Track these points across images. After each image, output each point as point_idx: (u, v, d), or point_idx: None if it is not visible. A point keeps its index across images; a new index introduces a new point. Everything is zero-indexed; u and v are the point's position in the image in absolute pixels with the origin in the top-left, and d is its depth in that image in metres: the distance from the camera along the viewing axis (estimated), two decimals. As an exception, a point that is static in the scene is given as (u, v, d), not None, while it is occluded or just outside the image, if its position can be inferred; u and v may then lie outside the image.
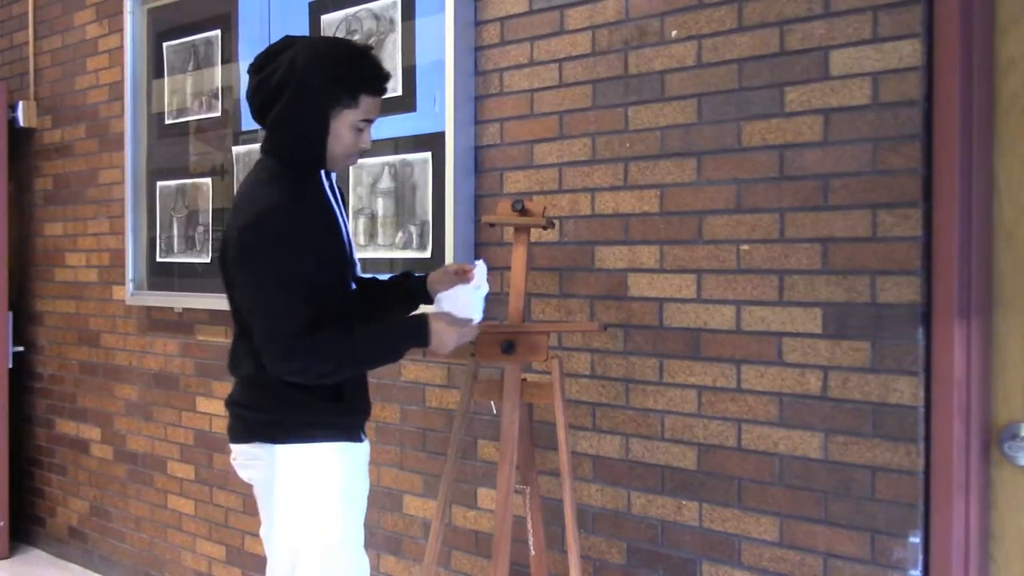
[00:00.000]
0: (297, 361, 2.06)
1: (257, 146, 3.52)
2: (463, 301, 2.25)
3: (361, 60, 2.15)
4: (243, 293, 2.14)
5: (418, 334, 2.16)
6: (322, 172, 2.21)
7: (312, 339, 2.05)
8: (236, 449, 2.27)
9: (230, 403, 2.27)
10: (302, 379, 2.10)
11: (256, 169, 2.21)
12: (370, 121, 2.17)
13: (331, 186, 2.25)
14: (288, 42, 2.16)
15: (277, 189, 2.10)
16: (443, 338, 2.16)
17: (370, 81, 2.13)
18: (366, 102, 2.13)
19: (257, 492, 2.29)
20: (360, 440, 2.24)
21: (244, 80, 3.55)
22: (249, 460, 2.24)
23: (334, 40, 2.28)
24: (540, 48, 2.72)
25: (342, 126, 2.12)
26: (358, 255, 3.13)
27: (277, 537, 2.18)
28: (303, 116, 2.10)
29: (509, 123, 2.80)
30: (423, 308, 2.32)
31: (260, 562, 3.58)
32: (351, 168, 3.16)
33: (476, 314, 2.25)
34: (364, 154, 2.25)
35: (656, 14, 2.47)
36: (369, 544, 3.20)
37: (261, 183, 2.15)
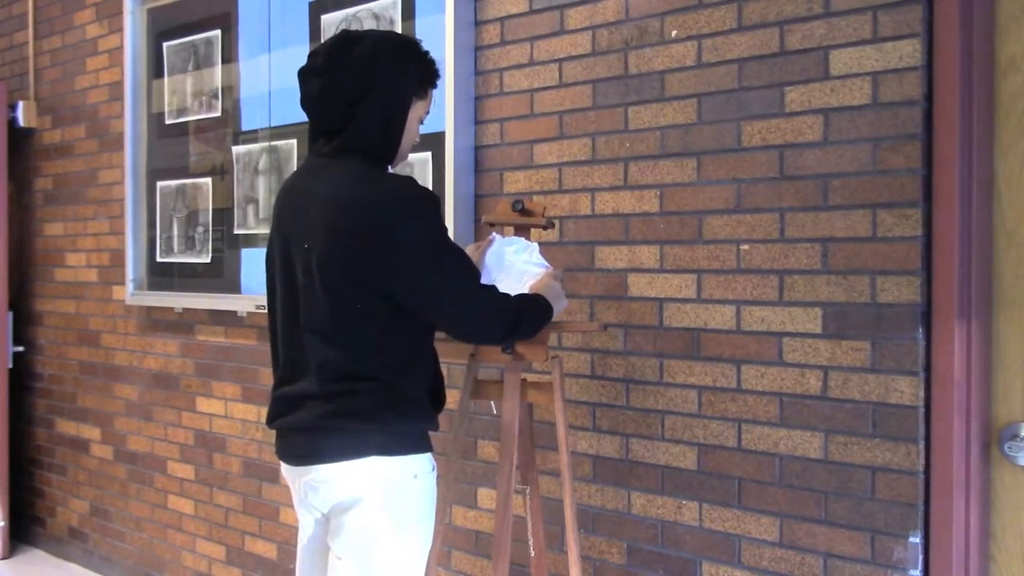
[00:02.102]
0: (508, 319, 2.10)
1: (258, 146, 3.53)
2: (505, 260, 2.29)
3: (427, 53, 2.13)
4: (415, 286, 1.98)
5: (547, 306, 2.20)
6: None
7: (496, 298, 2.10)
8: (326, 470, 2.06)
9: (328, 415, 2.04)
10: (504, 337, 2.14)
11: (335, 170, 2.03)
12: (428, 113, 2.17)
13: None
14: (349, 37, 2.07)
15: (400, 183, 2.03)
16: (556, 296, 2.22)
17: (433, 74, 2.13)
18: (430, 96, 2.14)
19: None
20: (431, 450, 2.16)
21: (245, 80, 3.57)
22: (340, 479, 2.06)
23: (400, 35, 2.24)
24: (540, 48, 2.72)
25: (413, 119, 2.09)
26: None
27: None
28: (391, 109, 2.05)
29: (509, 123, 2.80)
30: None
31: (260, 562, 3.58)
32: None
33: (532, 263, 2.29)
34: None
35: (656, 14, 2.47)
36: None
37: (367, 180, 2.01)
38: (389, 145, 2.07)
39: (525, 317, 2.13)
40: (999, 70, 2.04)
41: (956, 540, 2.04)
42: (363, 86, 2.01)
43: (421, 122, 2.14)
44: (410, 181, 2.04)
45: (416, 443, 2.06)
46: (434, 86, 2.14)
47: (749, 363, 2.32)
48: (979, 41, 2.03)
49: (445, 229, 2.04)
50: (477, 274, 2.11)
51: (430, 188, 2.08)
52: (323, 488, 2.04)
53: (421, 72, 2.09)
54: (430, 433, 2.12)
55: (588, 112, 2.61)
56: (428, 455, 2.08)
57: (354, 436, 2.01)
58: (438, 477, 2.11)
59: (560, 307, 2.23)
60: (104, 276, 4.30)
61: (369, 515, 2.01)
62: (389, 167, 2.11)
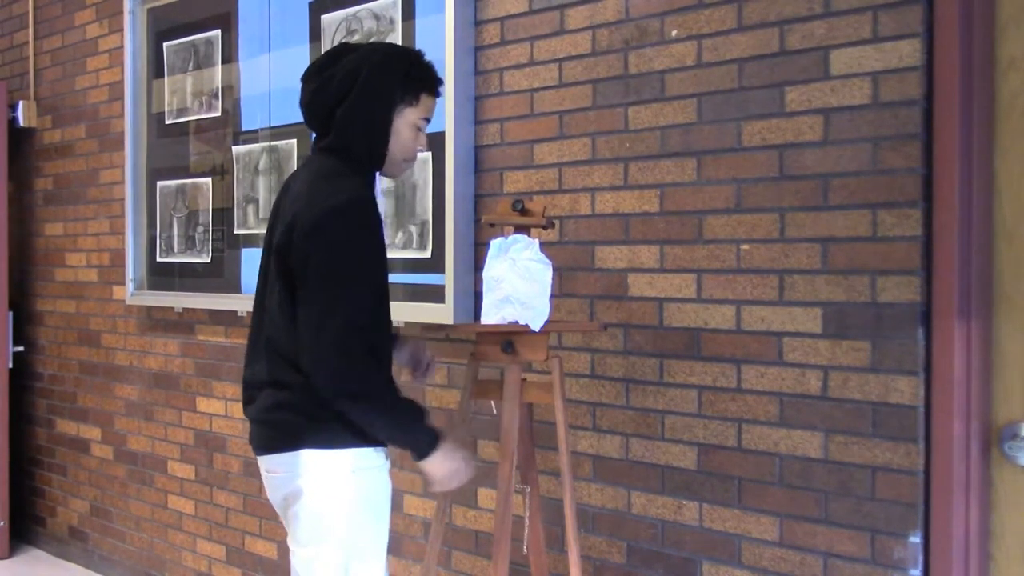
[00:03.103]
0: (345, 359, 1.96)
1: (258, 145, 3.53)
2: (508, 256, 2.29)
3: (421, 60, 2.17)
4: (311, 278, 1.99)
5: (427, 440, 2.08)
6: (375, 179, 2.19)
7: (367, 358, 1.98)
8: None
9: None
10: (333, 382, 1.98)
11: (313, 166, 2.13)
12: (428, 120, 2.18)
13: None
14: (345, 48, 2.16)
15: (357, 181, 2.07)
16: (444, 464, 2.09)
17: (429, 81, 2.15)
18: (426, 101, 2.15)
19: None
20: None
21: (245, 80, 3.57)
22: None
23: (393, 44, 2.29)
24: (540, 48, 2.72)
25: (403, 124, 2.12)
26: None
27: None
28: (371, 112, 2.09)
29: (509, 123, 2.80)
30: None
31: (260, 562, 3.58)
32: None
33: (533, 260, 2.26)
34: (415, 160, 2.22)
35: (656, 14, 2.47)
36: (369, 544, 3.21)
37: (328, 177, 2.07)
38: (372, 148, 2.11)
39: (376, 403, 2.01)
40: (999, 70, 2.04)
41: (956, 540, 2.04)
42: (346, 89, 2.08)
43: (419, 129, 2.15)
44: (355, 189, 2.04)
45: (351, 438, 2.06)
46: (431, 92, 2.15)
47: (749, 363, 2.32)
48: (979, 41, 2.03)
49: (377, 238, 2.02)
50: (380, 299, 2.03)
51: (368, 201, 2.04)
52: (271, 479, 2.14)
53: (409, 77, 2.11)
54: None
55: (588, 112, 2.61)
56: (369, 450, 2.08)
57: (290, 429, 2.07)
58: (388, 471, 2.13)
59: (448, 478, 2.11)
60: (104, 276, 4.30)
61: (309, 509, 2.07)
62: (380, 173, 2.15)
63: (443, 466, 2.10)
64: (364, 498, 2.09)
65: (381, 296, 2.07)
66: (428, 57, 2.18)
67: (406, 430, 2.08)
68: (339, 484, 2.06)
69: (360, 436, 2.07)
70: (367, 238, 2.01)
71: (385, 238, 2.09)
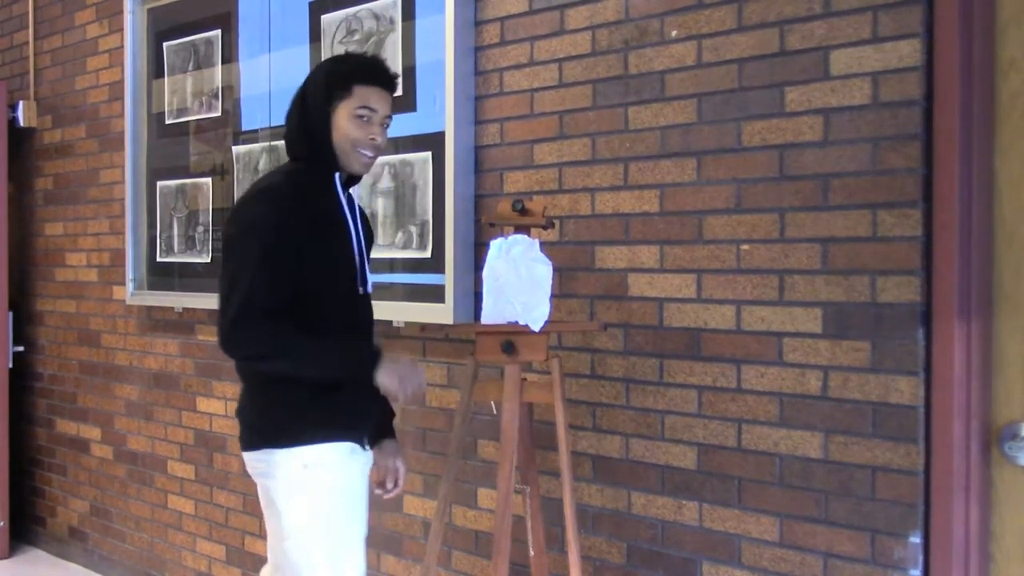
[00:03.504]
0: (239, 332, 2.07)
1: (258, 145, 3.53)
2: (509, 256, 2.33)
3: (357, 57, 2.27)
4: (223, 259, 2.18)
5: (369, 358, 2.14)
6: (339, 183, 2.24)
7: (265, 321, 2.07)
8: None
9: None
10: (242, 354, 2.14)
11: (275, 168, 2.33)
12: (371, 110, 2.20)
13: (350, 200, 2.28)
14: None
15: (279, 179, 2.20)
16: (397, 378, 2.14)
17: (363, 70, 2.21)
18: (360, 91, 2.19)
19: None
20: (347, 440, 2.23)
21: (245, 80, 3.57)
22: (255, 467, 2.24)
23: (344, 52, 2.40)
24: (540, 48, 2.72)
25: (341, 116, 2.19)
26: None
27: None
28: (307, 112, 2.22)
29: (509, 123, 2.80)
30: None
31: (260, 562, 3.58)
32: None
33: (533, 259, 2.30)
34: (378, 151, 2.24)
35: (656, 14, 2.47)
36: (369, 543, 3.21)
37: (270, 174, 2.29)
38: (315, 143, 2.21)
39: (288, 355, 2.09)
40: (999, 70, 2.04)
41: (956, 540, 2.04)
42: (292, 106, 2.28)
43: (362, 118, 2.19)
44: (275, 175, 2.24)
45: (302, 433, 2.14)
46: (365, 82, 2.19)
47: (749, 363, 2.32)
48: (979, 41, 2.03)
49: (275, 227, 2.09)
50: (273, 284, 2.08)
51: (278, 186, 2.17)
52: (253, 476, 2.25)
53: (333, 72, 2.22)
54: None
55: (588, 112, 2.61)
56: (327, 445, 2.16)
57: (250, 427, 2.22)
58: (355, 470, 2.20)
59: (396, 385, 2.15)
60: (104, 276, 4.30)
61: (273, 506, 2.17)
62: (342, 169, 2.22)
63: (392, 376, 2.14)
64: (322, 493, 2.15)
65: (284, 273, 2.10)
66: (381, 54, 2.28)
67: (343, 363, 2.16)
68: (296, 481, 2.14)
69: (317, 432, 2.14)
70: (270, 219, 2.09)
71: (335, 223, 2.20)
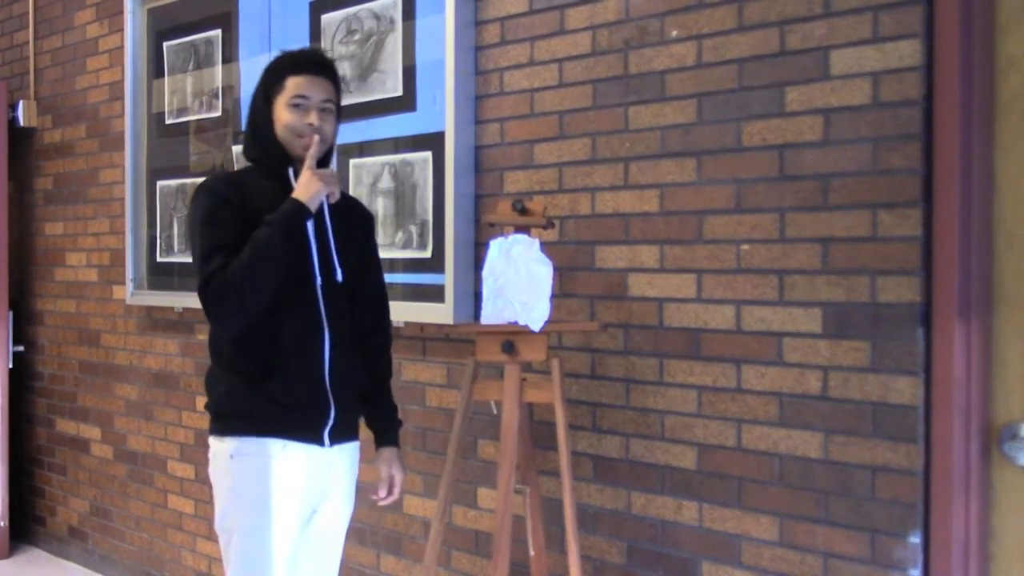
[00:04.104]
0: (209, 297, 2.14)
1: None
2: (510, 256, 2.35)
3: (290, 52, 2.32)
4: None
5: (286, 205, 2.16)
6: (293, 175, 2.25)
7: (212, 278, 2.13)
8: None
9: None
10: (221, 319, 2.17)
11: None
12: (304, 97, 2.21)
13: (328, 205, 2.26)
14: None
15: (223, 172, 2.40)
16: (306, 187, 2.18)
17: (293, 62, 2.26)
18: (292, 81, 2.23)
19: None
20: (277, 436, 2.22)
21: (245, 80, 3.57)
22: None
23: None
24: (540, 48, 2.72)
25: (279, 110, 2.24)
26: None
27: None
28: (252, 113, 2.31)
29: (509, 123, 2.80)
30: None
31: (260, 562, 3.58)
32: (351, 167, 3.16)
33: (533, 259, 2.32)
34: (321, 134, 2.21)
35: (656, 14, 2.47)
36: (369, 543, 3.22)
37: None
38: (260, 142, 2.28)
39: (241, 278, 2.10)
40: (999, 70, 2.04)
41: (956, 540, 2.04)
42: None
43: (298, 107, 2.22)
44: (208, 177, 2.35)
45: (234, 424, 2.22)
46: (294, 72, 2.23)
47: (749, 363, 2.32)
48: (979, 41, 2.03)
49: (202, 212, 2.20)
50: (214, 255, 2.13)
51: (210, 183, 2.27)
52: None
53: (267, 71, 2.29)
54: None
55: (588, 112, 2.61)
56: (252, 439, 2.20)
57: (209, 416, 2.29)
58: (284, 467, 2.21)
59: (312, 192, 2.17)
60: (104, 276, 4.30)
61: (214, 494, 2.29)
62: (296, 161, 2.25)
63: (303, 188, 2.18)
64: (243, 484, 2.20)
65: (219, 247, 2.14)
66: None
67: (276, 238, 2.13)
68: (223, 469, 2.23)
69: (245, 424, 2.20)
70: (203, 212, 2.19)
71: (245, 206, 2.19)
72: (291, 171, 2.26)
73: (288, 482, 2.20)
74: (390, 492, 2.41)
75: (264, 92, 2.27)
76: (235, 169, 2.40)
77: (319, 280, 2.24)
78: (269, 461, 2.19)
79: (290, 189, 2.20)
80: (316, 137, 2.22)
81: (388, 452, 2.41)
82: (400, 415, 2.48)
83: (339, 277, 2.27)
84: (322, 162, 2.28)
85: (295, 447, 2.21)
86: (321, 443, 2.23)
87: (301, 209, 2.16)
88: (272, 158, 2.26)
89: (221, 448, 2.23)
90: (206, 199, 2.21)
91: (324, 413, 2.23)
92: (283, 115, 2.22)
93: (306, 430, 2.22)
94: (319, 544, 2.31)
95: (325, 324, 2.23)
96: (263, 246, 2.11)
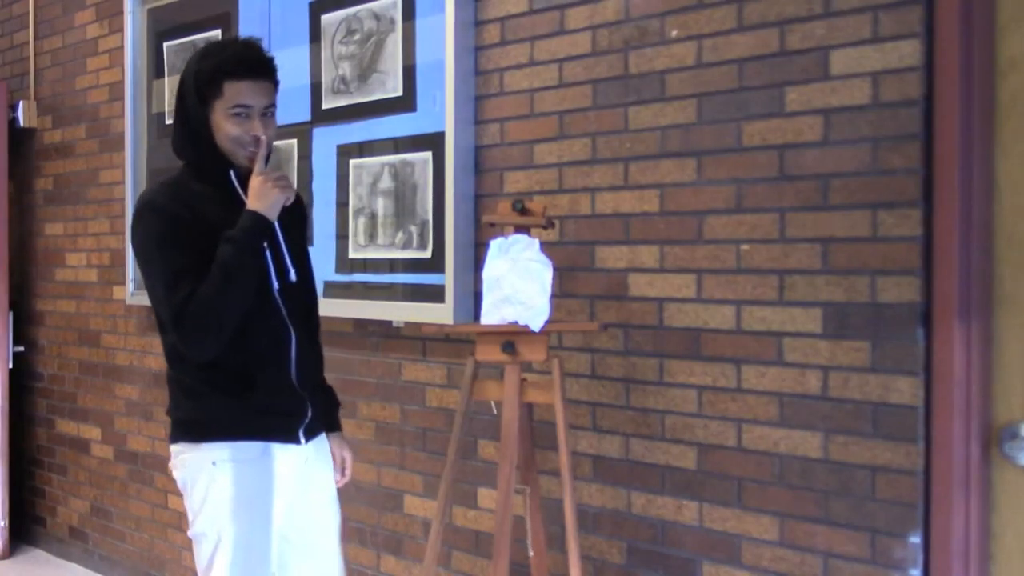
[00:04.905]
0: (185, 327, 2.05)
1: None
2: (510, 256, 2.34)
3: (221, 49, 2.19)
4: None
5: (247, 221, 2.10)
6: (235, 179, 2.20)
7: (186, 307, 2.04)
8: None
9: None
10: (199, 347, 2.08)
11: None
12: (246, 106, 2.12)
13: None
14: None
15: (155, 191, 2.23)
16: (264, 197, 2.11)
17: (229, 65, 2.12)
18: (231, 88, 2.11)
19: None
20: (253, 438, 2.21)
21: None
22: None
23: (211, 42, 2.35)
24: (540, 48, 2.72)
25: (218, 117, 2.13)
26: (360, 255, 3.14)
27: None
28: (187, 115, 2.19)
29: (509, 123, 2.80)
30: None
31: (260, 562, 3.58)
32: (351, 168, 3.16)
33: (534, 260, 2.30)
34: (264, 144, 2.16)
35: (656, 14, 2.47)
36: (369, 543, 3.22)
37: (151, 186, 2.39)
38: (195, 145, 2.20)
39: (216, 303, 2.04)
40: (999, 70, 2.04)
41: (956, 540, 2.04)
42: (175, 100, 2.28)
43: (240, 115, 2.12)
44: (152, 188, 2.29)
45: (208, 431, 2.17)
46: (234, 78, 2.11)
47: (749, 363, 2.32)
48: (979, 41, 2.03)
49: (156, 235, 2.11)
50: (179, 282, 2.06)
51: (159, 195, 2.19)
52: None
53: (200, 74, 2.15)
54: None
55: (588, 112, 2.61)
56: (227, 443, 2.16)
57: (171, 421, 2.26)
58: (239, 467, 2.18)
59: (271, 201, 2.12)
60: (104, 276, 4.30)
61: (186, 501, 2.24)
62: (232, 167, 2.18)
63: (266, 201, 2.12)
64: (227, 490, 2.15)
65: (183, 271, 2.07)
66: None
67: (246, 257, 2.09)
68: (205, 476, 2.17)
69: (226, 430, 2.16)
70: (156, 236, 2.11)
71: (223, 220, 2.12)
72: (232, 174, 2.19)
73: (275, 484, 2.20)
74: (343, 474, 2.45)
75: (198, 93, 2.15)
76: (158, 182, 2.30)
77: (276, 285, 2.20)
78: (255, 465, 2.18)
79: (234, 194, 2.16)
80: (263, 139, 2.14)
81: (336, 436, 2.44)
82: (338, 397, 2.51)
83: (292, 278, 2.24)
84: (268, 161, 2.23)
85: (277, 448, 2.21)
86: (298, 441, 2.24)
87: (263, 222, 2.10)
88: (210, 162, 2.18)
89: (197, 456, 2.18)
90: (157, 222, 2.11)
91: (301, 414, 2.25)
92: (224, 124, 2.12)
93: (286, 432, 2.23)
94: (311, 542, 2.30)
95: (290, 327, 2.22)
96: (233, 267, 2.05)
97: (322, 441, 2.37)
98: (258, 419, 2.18)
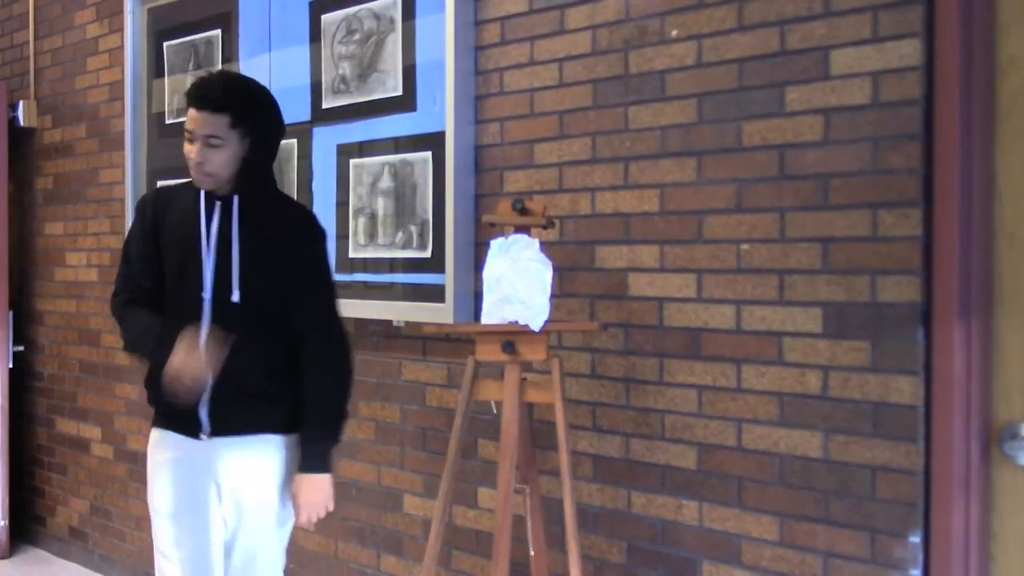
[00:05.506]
0: (112, 310, 2.52)
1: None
2: (509, 255, 2.38)
3: (193, 79, 2.44)
4: None
5: (153, 341, 2.37)
6: (202, 197, 2.40)
7: (113, 302, 2.52)
8: None
9: None
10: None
11: None
12: (190, 131, 2.33)
13: (227, 211, 2.38)
14: None
15: (162, 185, 2.63)
16: (180, 364, 2.27)
17: (187, 94, 2.37)
18: (188, 113, 2.35)
19: None
20: (158, 427, 2.50)
21: (244, 80, 3.57)
22: None
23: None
24: (540, 47, 2.72)
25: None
26: (360, 255, 3.14)
27: None
28: None
29: (509, 122, 2.80)
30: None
31: (260, 562, 3.58)
32: (351, 167, 3.17)
33: (533, 260, 2.34)
34: (199, 169, 2.34)
35: (656, 14, 2.47)
36: (369, 543, 3.22)
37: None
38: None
39: (119, 324, 2.48)
40: (999, 70, 2.04)
41: (956, 540, 2.04)
42: None
43: (186, 138, 2.36)
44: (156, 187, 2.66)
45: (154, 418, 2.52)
46: (188, 105, 2.35)
47: (749, 363, 2.32)
48: (979, 41, 2.03)
49: (128, 233, 2.57)
50: (119, 279, 2.51)
51: (149, 193, 2.68)
52: None
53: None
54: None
55: (588, 112, 2.61)
56: (153, 430, 2.50)
57: None
58: (161, 456, 2.47)
59: (172, 370, 2.28)
60: (104, 275, 4.29)
61: None
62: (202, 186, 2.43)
63: (171, 373, 2.31)
64: (150, 470, 2.50)
65: (126, 273, 2.50)
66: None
67: (137, 338, 2.43)
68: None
69: (155, 417, 2.50)
70: (129, 229, 2.57)
71: (175, 230, 2.42)
72: (202, 195, 2.40)
73: (165, 470, 2.44)
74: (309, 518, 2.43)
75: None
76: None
77: (208, 295, 2.36)
78: (152, 450, 2.49)
79: (197, 209, 2.38)
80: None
81: (299, 478, 2.40)
82: (329, 437, 2.43)
83: (235, 298, 2.35)
84: (249, 187, 2.38)
85: (166, 440, 2.45)
86: (197, 436, 2.38)
87: (156, 361, 2.35)
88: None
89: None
90: (135, 216, 2.54)
91: (196, 409, 2.37)
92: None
93: (168, 424, 2.44)
94: (242, 539, 2.43)
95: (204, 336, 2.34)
96: (125, 334, 2.46)
97: (243, 443, 2.40)
98: (160, 405, 2.44)
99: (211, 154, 2.30)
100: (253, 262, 2.36)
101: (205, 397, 2.34)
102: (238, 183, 2.36)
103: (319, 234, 2.47)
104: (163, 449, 2.45)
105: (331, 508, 2.42)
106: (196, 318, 2.34)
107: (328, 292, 2.47)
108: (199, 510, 2.40)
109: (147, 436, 4.00)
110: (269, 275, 2.37)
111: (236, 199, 2.38)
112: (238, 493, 2.40)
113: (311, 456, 2.39)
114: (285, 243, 2.40)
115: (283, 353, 2.40)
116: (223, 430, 2.38)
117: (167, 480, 2.43)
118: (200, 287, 2.35)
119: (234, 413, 2.37)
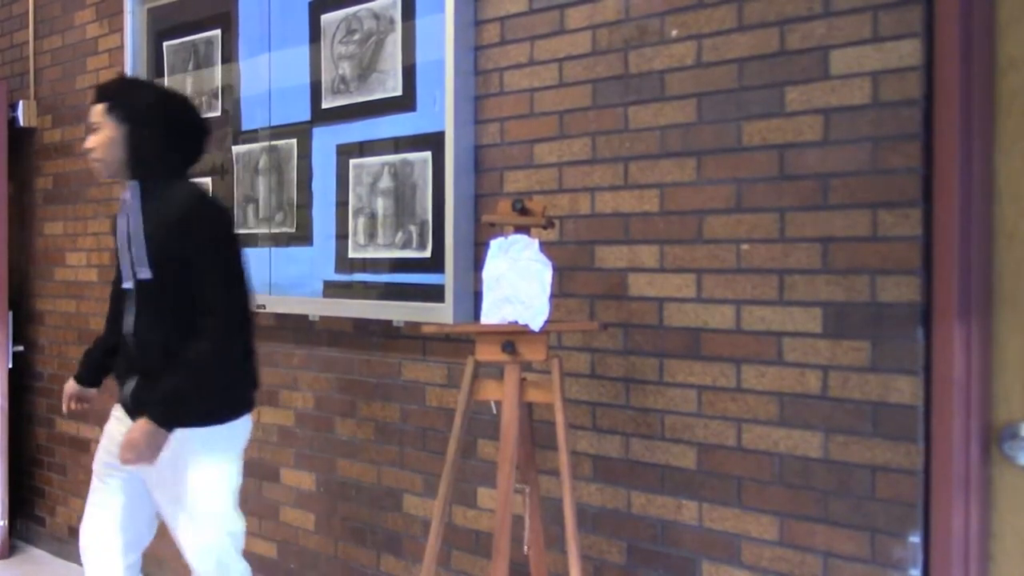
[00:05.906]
0: None
1: (258, 145, 3.54)
2: (509, 255, 2.40)
3: None
4: None
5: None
6: (129, 185, 2.65)
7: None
8: None
9: None
10: None
11: None
12: (93, 123, 2.61)
13: (140, 196, 2.61)
14: None
15: None
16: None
17: None
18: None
19: None
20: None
21: (245, 80, 3.57)
22: None
23: None
24: (540, 47, 2.72)
25: None
26: (360, 255, 3.14)
27: None
28: None
29: (509, 122, 2.80)
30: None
31: (260, 561, 3.58)
32: (351, 167, 3.17)
33: (533, 260, 2.36)
34: (90, 155, 2.63)
35: (656, 13, 2.47)
36: (369, 543, 3.22)
37: None
38: None
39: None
40: (999, 70, 2.04)
41: (956, 540, 2.04)
42: None
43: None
44: None
45: None
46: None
47: (749, 363, 2.32)
48: (979, 41, 2.03)
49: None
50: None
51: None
52: None
53: None
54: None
55: (588, 112, 2.61)
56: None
57: None
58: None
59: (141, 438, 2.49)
60: (104, 275, 4.29)
61: None
62: (136, 179, 2.68)
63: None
64: None
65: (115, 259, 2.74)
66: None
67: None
68: None
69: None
70: None
71: (121, 229, 2.66)
72: (127, 190, 2.64)
73: (108, 439, 2.74)
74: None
75: None
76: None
77: (129, 273, 2.62)
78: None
79: (131, 198, 2.62)
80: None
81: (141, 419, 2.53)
82: (168, 395, 2.52)
83: (127, 284, 2.64)
84: (138, 172, 2.61)
85: (116, 409, 2.72)
86: (126, 408, 2.65)
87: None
88: None
89: None
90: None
91: (123, 381, 2.67)
92: None
93: (120, 396, 2.69)
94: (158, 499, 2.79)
95: (133, 310, 2.60)
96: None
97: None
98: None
99: (93, 139, 2.58)
100: (150, 245, 2.54)
101: (129, 368, 2.64)
102: (131, 169, 2.59)
103: (205, 219, 2.54)
104: (112, 422, 2.78)
105: (151, 462, 2.52)
106: (117, 307, 2.77)
107: (213, 278, 2.51)
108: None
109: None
110: (166, 258, 2.53)
111: (138, 185, 2.61)
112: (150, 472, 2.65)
113: (151, 404, 2.52)
114: (175, 227, 2.52)
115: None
116: (140, 413, 2.56)
117: (109, 452, 2.73)
118: (119, 277, 2.70)
119: (143, 389, 2.61)
